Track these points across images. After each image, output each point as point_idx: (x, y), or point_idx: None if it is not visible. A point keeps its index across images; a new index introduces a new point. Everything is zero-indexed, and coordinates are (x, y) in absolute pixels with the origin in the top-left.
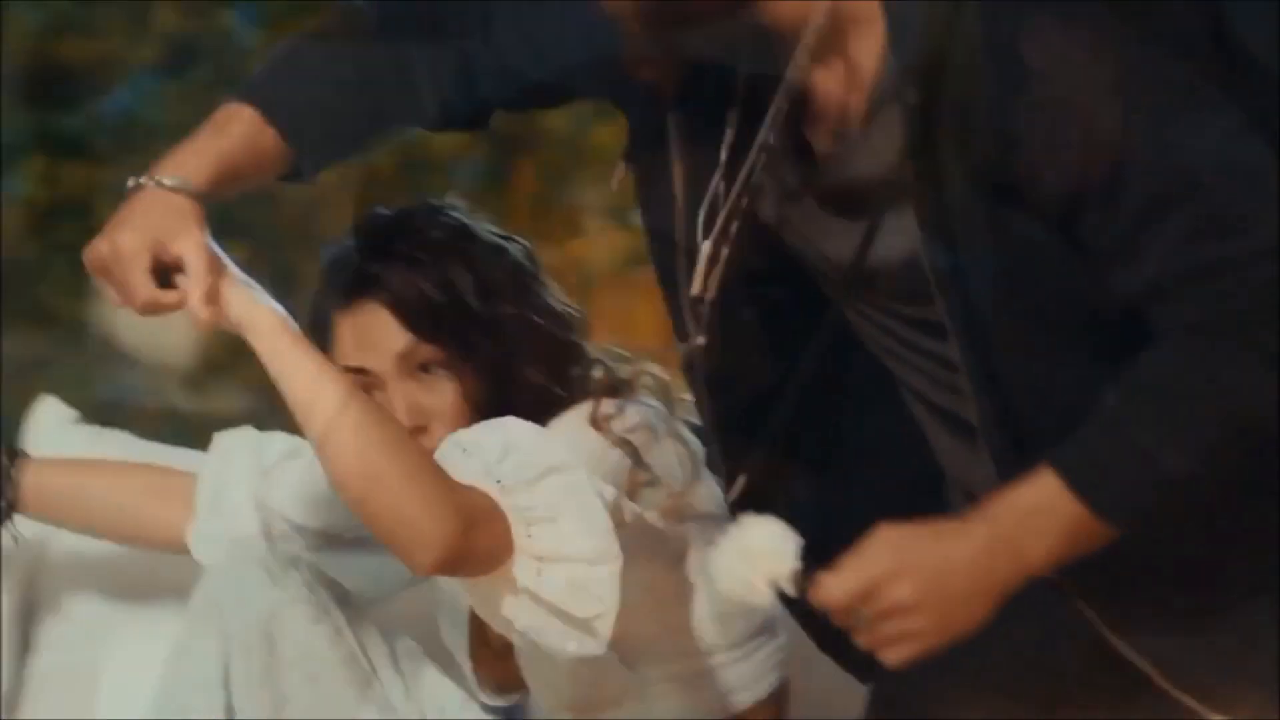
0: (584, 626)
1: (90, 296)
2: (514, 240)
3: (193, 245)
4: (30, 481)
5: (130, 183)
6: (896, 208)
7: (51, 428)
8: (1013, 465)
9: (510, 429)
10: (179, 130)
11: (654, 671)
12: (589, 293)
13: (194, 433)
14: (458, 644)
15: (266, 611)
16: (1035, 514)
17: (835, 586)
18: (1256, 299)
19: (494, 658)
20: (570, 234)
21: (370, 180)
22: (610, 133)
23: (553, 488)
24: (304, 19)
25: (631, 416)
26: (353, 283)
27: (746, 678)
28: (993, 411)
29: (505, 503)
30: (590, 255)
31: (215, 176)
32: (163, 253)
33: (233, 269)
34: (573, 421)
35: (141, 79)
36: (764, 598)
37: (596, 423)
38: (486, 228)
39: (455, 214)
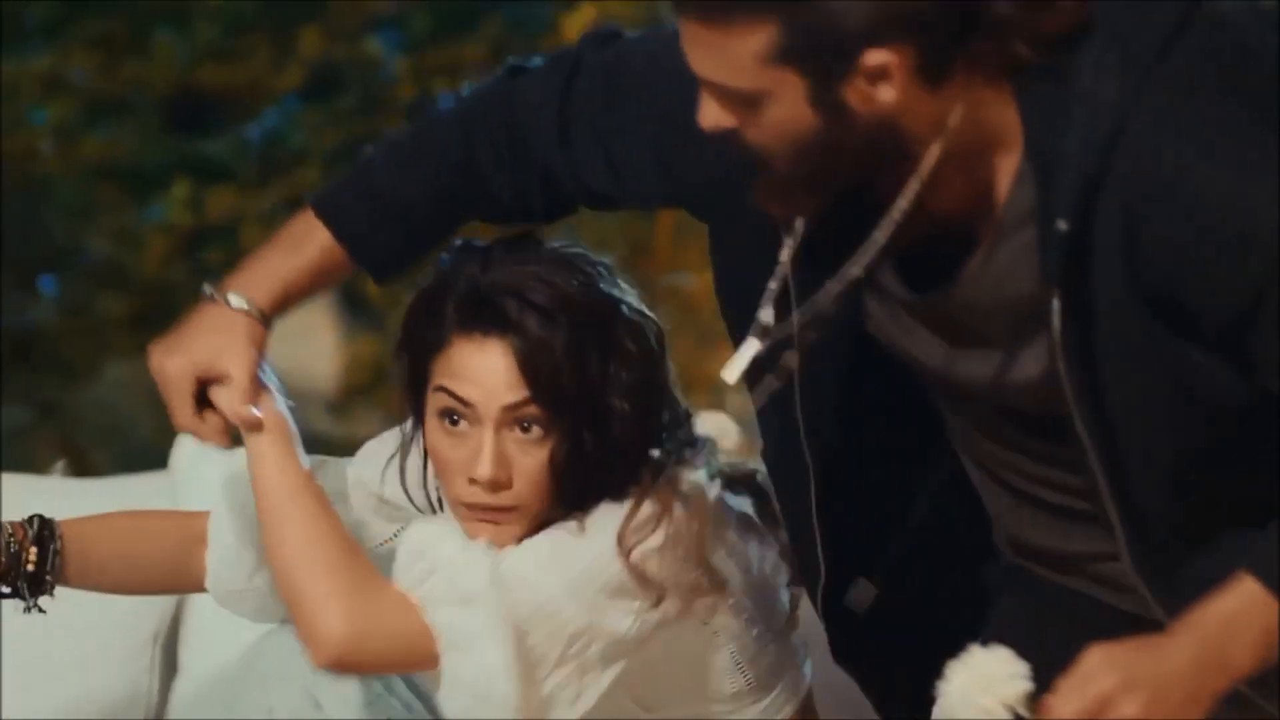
0: None
1: None
2: (650, 319)
3: (238, 366)
4: (72, 550)
5: (206, 290)
6: (1025, 335)
7: (197, 452)
8: (1161, 578)
9: (447, 546)
10: (322, 155)
11: (674, 713)
12: None
13: (337, 455)
14: None
15: (311, 678)
16: (1238, 621)
17: (1064, 706)
18: None
19: None
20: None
21: None
22: None
23: (468, 616)
24: (446, 45)
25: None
26: (492, 318)
27: (766, 710)
28: (1137, 537)
29: (430, 619)
30: None
31: (282, 299)
32: (209, 372)
33: (269, 380)
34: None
35: (286, 104)
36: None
37: (623, 537)
38: (630, 298)
39: (604, 283)
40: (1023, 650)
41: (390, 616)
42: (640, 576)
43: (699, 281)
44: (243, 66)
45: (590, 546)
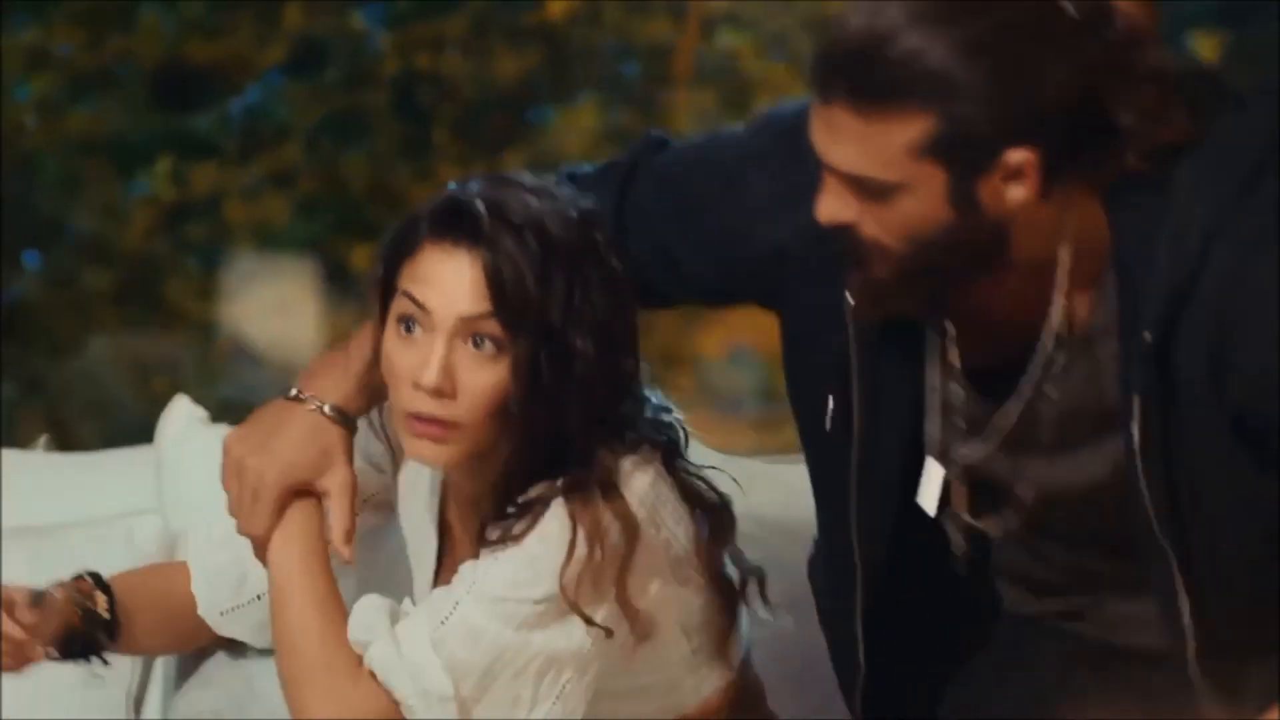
0: None
1: (217, 295)
2: (627, 272)
3: (341, 487)
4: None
5: (293, 392)
6: (1095, 441)
7: (182, 426)
8: (1223, 681)
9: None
10: (305, 131)
11: (616, 683)
12: None
13: None
14: None
15: None
16: None
17: None
18: None
19: None
20: None
21: (308, 204)
22: None
23: (418, 681)
24: (432, 20)
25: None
26: (465, 228)
27: (709, 677)
28: (1205, 642)
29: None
30: None
31: (368, 403)
32: (307, 487)
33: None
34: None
35: (270, 79)
36: None
37: (575, 516)
38: (617, 259)
39: (596, 228)
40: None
41: (365, 699)
42: (577, 605)
43: None
44: (227, 41)
45: (531, 583)
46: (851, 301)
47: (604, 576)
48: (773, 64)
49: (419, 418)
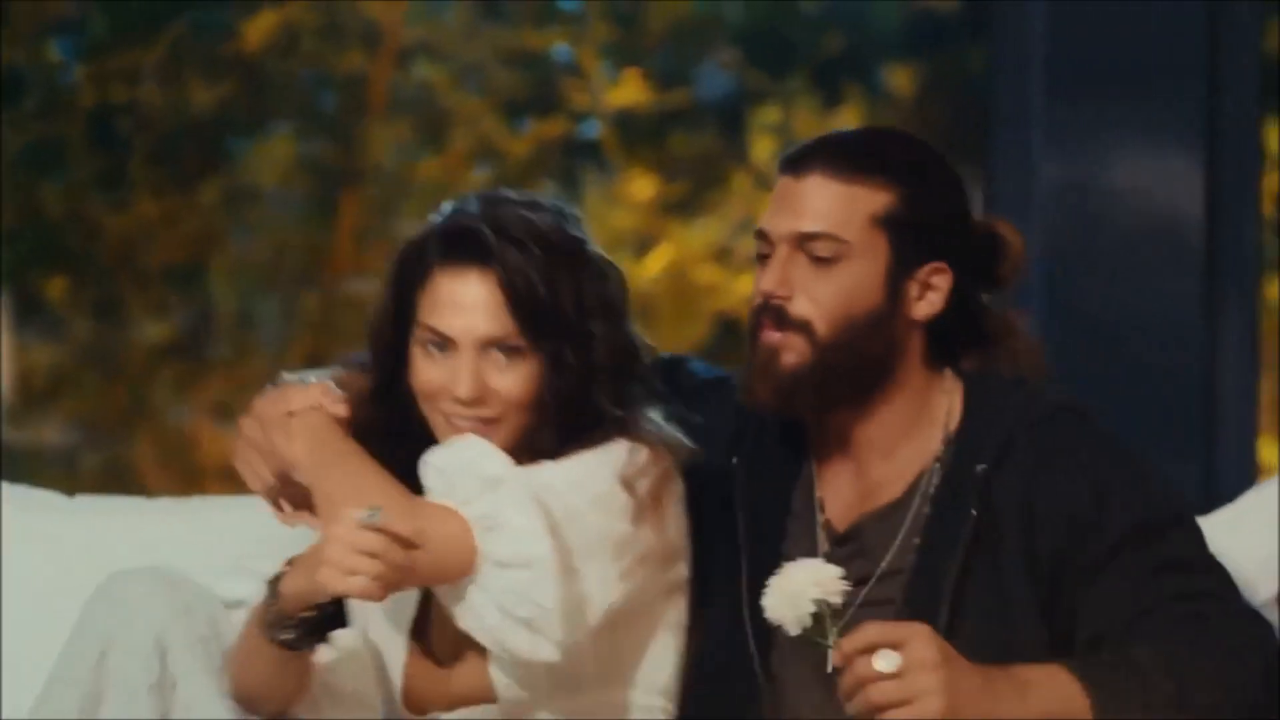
0: (530, 627)
1: None
2: (614, 267)
3: (319, 390)
4: None
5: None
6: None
7: None
8: None
9: (469, 448)
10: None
11: (606, 694)
12: None
13: (17, 465)
14: (394, 659)
15: (162, 626)
16: (1038, 682)
17: (875, 631)
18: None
19: (427, 675)
20: None
21: (196, 210)
22: (435, 165)
23: (496, 498)
24: (128, 51)
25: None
26: (471, 250)
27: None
28: None
29: (465, 513)
30: None
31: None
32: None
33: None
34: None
35: None
36: (808, 618)
37: (625, 475)
38: (596, 248)
39: (576, 228)
40: None
41: (437, 525)
42: (643, 508)
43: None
44: None
45: (600, 474)
46: (743, 389)
47: (651, 493)
48: (467, 96)
49: (458, 421)
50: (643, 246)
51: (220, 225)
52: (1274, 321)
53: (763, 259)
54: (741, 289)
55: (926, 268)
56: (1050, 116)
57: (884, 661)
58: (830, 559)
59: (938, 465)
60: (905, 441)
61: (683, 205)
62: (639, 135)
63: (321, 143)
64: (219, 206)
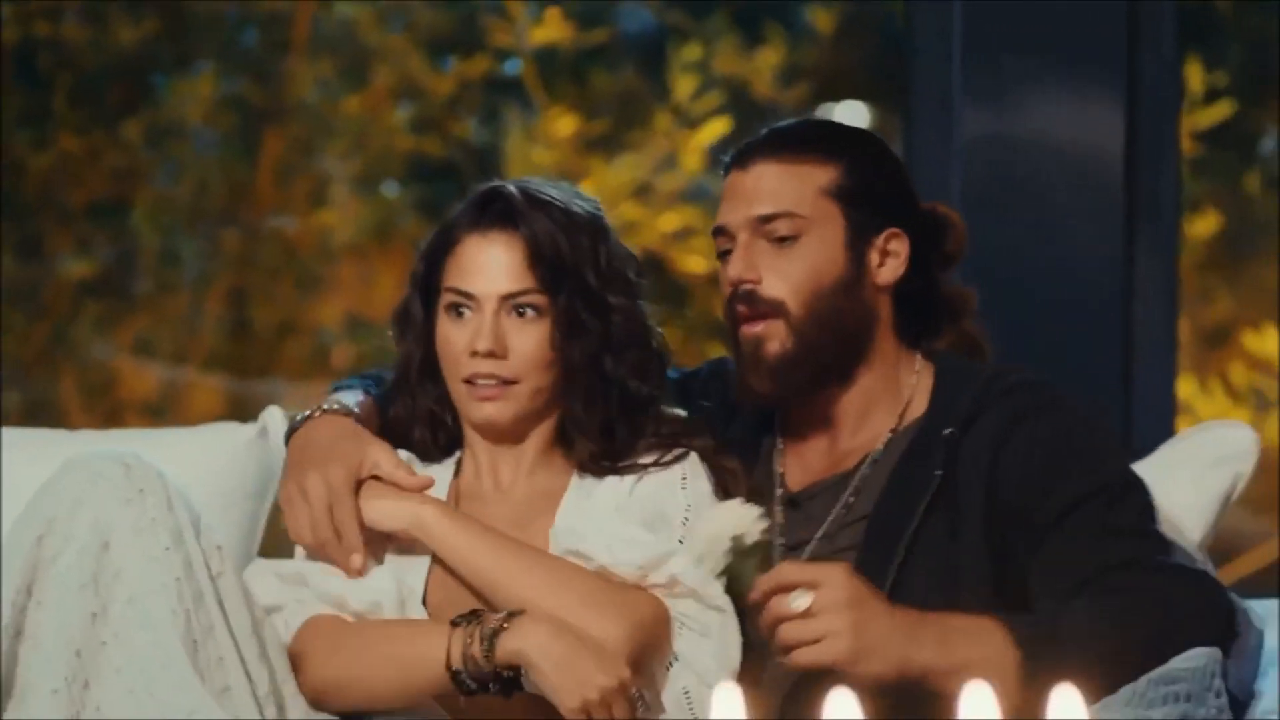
0: None
1: None
2: (635, 258)
3: (383, 452)
4: None
5: (302, 415)
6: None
7: None
8: None
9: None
10: None
11: None
12: (332, 262)
13: None
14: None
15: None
16: (973, 627)
17: (792, 571)
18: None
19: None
20: (316, 204)
21: (119, 147)
22: (357, 102)
23: (706, 615)
24: None
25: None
26: (500, 212)
27: None
28: None
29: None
30: (336, 225)
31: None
32: (363, 470)
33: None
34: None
35: None
36: (729, 556)
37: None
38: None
39: (603, 216)
40: None
41: (646, 609)
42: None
43: (300, 225)
44: None
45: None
46: (737, 387)
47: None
48: (391, 35)
49: (479, 382)
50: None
51: (143, 163)
52: (1194, 260)
53: (724, 255)
54: (663, 225)
55: (883, 235)
56: (969, 58)
57: (796, 600)
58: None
59: (891, 436)
60: (875, 414)
61: (604, 142)
62: (560, 73)
63: (244, 80)
64: (142, 144)
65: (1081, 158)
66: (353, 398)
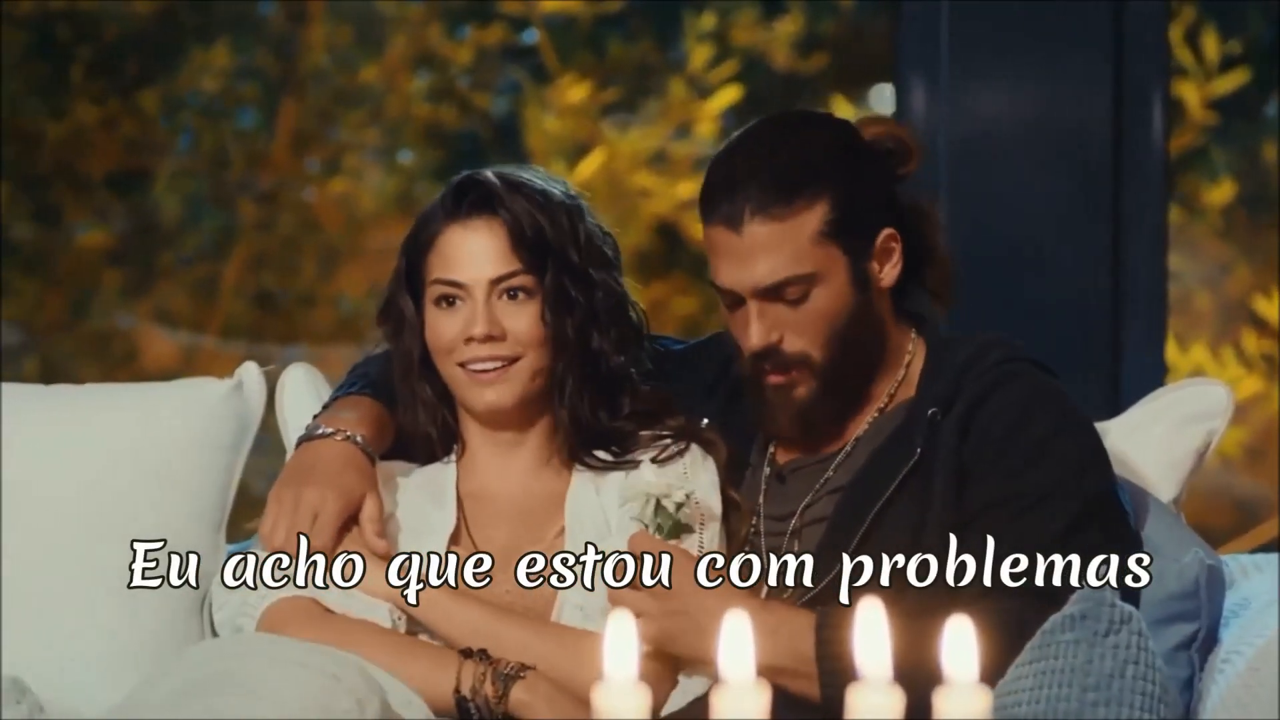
0: None
1: None
2: (612, 236)
3: (368, 516)
4: None
5: (320, 430)
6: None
7: None
8: None
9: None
10: None
11: None
12: (353, 232)
13: None
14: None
15: None
16: (798, 621)
17: (641, 540)
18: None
19: None
20: (333, 173)
21: (136, 117)
22: (374, 72)
23: None
24: None
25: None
26: (479, 199)
27: None
28: None
29: None
30: (355, 194)
31: (381, 444)
32: (355, 508)
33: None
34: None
35: None
36: (650, 511)
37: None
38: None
39: (578, 194)
40: None
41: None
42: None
43: (319, 195)
44: None
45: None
46: (762, 422)
47: None
48: (407, 3)
49: (479, 365)
50: (579, 152)
51: (160, 133)
52: (1212, 228)
53: (731, 306)
54: (678, 194)
55: (878, 242)
56: (957, 25)
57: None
58: (767, 501)
59: (877, 416)
60: (871, 396)
61: (619, 110)
62: (576, 41)
63: (261, 52)
64: (159, 114)
65: (1070, 120)
66: (361, 413)
